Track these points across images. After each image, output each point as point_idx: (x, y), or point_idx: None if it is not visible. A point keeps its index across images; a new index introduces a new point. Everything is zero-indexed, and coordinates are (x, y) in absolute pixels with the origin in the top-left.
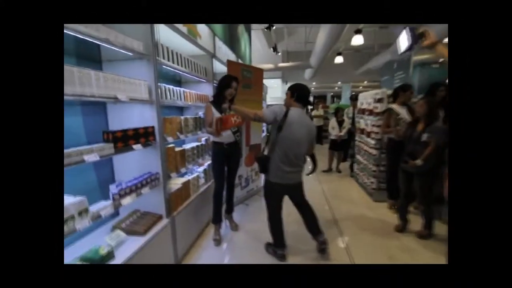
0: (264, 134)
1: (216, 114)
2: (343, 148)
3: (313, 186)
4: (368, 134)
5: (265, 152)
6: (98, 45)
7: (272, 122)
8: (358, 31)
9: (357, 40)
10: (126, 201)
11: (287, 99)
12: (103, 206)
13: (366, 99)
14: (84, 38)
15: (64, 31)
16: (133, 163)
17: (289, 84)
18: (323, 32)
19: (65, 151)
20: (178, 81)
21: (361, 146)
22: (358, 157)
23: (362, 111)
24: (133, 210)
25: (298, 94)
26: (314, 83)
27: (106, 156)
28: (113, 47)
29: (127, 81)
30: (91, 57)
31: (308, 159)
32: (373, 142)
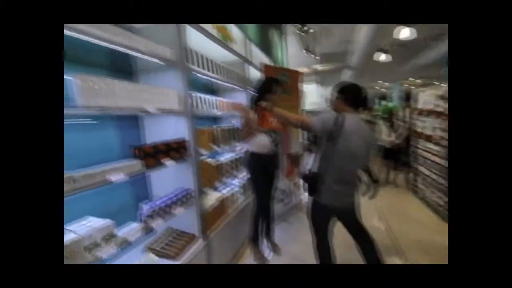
0: (301, 140)
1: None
2: (399, 156)
3: (366, 201)
4: (431, 140)
5: (307, 164)
6: (134, 56)
7: (322, 131)
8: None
9: (406, 33)
10: (157, 223)
11: (339, 104)
12: (132, 230)
13: (427, 98)
14: (111, 47)
15: (84, 38)
16: (169, 178)
17: (327, 87)
18: (363, 28)
19: (87, 171)
20: (211, 90)
21: (421, 154)
22: (419, 167)
23: (420, 112)
24: (167, 228)
25: (352, 96)
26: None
27: (135, 175)
28: (139, 55)
29: (155, 91)
30: (126, 68)
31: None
32: (437, 148)
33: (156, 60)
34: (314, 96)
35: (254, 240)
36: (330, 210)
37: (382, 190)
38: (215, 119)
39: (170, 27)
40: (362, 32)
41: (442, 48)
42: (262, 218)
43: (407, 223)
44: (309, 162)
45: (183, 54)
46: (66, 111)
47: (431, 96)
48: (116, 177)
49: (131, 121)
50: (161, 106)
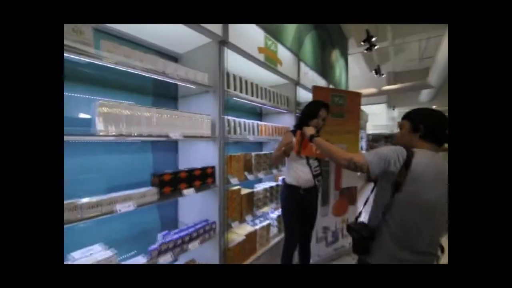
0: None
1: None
2: None
3: None
4: None
5: (365, 203)
6: (176, 83)
7: (382, 174)
8: None
9: None
10: (165, 259)
11: (404, 136)
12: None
13: None
14: (139, 73)
15: (120, 67)
16: (195, 207)
17: (400, 110)
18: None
19: (94, 199)
20: (258, 114)
21: None
22: None
23: None
24: (188, 261)
25: (427, 126)
26: (434, 106)
27: (146, 204)
28: (176, 81)
29: (185, 116)
30: (171, 94)
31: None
32: None
33: (193, 86)
34: (382, 118)
35: None
36: None
37: None
38: (261, 144)
39: (211, 53)
40: (444, 47)
41: None
42: (289, 262)
43: None
44: (369, 200)
45: (221, 78)
46: (85, 138)
47: None
48: (125, 208)
49: (170, 145)
50: (189, 133)
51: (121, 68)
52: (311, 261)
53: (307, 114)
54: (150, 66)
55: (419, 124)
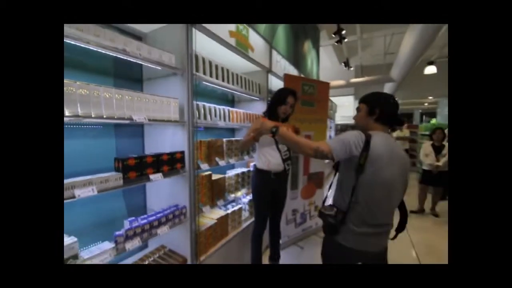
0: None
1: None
2: (442, 183)
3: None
4: None
5: (331, 187)
6: (140, 64)
7: (346, 158)
8: None
9: None
10: (133, 244)
11: (362, 118)
12: (101, 252)
13: None
14: (95, 49)
15: (72, 42)
16: (165, 192)
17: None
18: (409, 39)
19: None
20: (230, 100)
21: None
22: None
23: None
24: (159, 246)
25: (381, 109)
26: (396, 99)
27: (110, 190)
28: (140, 61)
29: (150, 99)
30: (135, 76)
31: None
32: None
33: (158, 67)
34: (349, 110)
35: None
36: (355, 255)
37: (419, 220)
38: (233, 131)
39: (178, 34)
40: (408, 43)
41: None
42: (261, 242)
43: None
44: (333, 186)
45: (189, 61)
46: None
47: None
48: (86, 193)
49: (135, 130)
50: (155, 116)
51: (73, 43)
52: (281, 241)
53: (276, 101)
54: (108, 43)
55: (374, 107)
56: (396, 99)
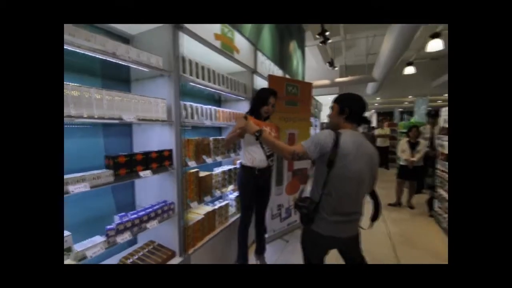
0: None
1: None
2: (418, 177)
3: (375, 226)
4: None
5: (302, 192)
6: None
7: (319, 157)
8: (435, 35)
9: (435, 45)
10: (124, 237)
11: (334, 117)
12: (93, 244)
13: (445, 114)
14: (86, 53)
15: (71, 49)
16: (153, 189)
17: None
18: (388, 40)
19: None
20: (217, 100)
21: (445, 178)
22: (441, 191)
23: (441, 130)
24: (148, 241)
25: (350, 109)
26: (378, 98)
27: (102, 186)
28: (128, 64)
29: (139, 99)
30: (123, 77)
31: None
32: None
33: (146, 69)
34: None
35: (241, 260)
36: (327, 241)
37: (396, 212)
38: (220, 130)
39: (166, 37)
40: (387, 44)
41: None
42: (247, 235)
43: (422, 254)
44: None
45: (176, 63)
46: None
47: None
48: (79, 189)
49: (124, 129)
50: (144, 116)
51: (65, 47)
52: (267, 236)
53: (258, 102)
54: (99, 47)
55: (344, 107)
56: (363, 98)
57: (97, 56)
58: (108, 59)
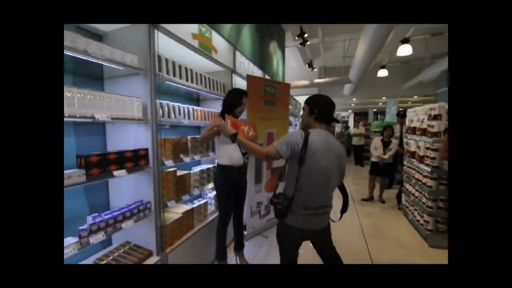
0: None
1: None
2: (388, 173)
3: (349, 219)
4: (421, 159)
5: (276, 188)
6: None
7: (291, 155)
8: (405, 40)
9: (405, 50)
10: (97, 237)
11: (305, 117)
12: (66, 245)
13: (417, 116)
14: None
15: None
16: (129, 189)
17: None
18: (362, 44)
19: None
20: (195, 99)
21: (411, 173)
22: (407, 186)
23: (413, 130)
24: (123, 242)
25: (319, 110)
26: (354, 99)
27: (73, 186)
28: (101, 62)
29: (112, 98)
30: (92, 75)
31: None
32: (428, 169)
33: (121, 68)
34: None
35: (220, 257)
36: (299, 232)
37: (368, 207)
38: (198, 128)
39: (141, 35)
40: (362, 47)
41: (443, 66)
42: (225, 233)
43: (390, 245)
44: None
45: (151, 61)
46: None
47: (421, 114)
48: None
49: (97, 128)
50: (118, 115)
51: None
52: (246, 233)
53: (232, 103)
54: (69, 43)
55: (314, 108)
56: (331, 99)
57: (67, 53)
58: (79, 56)
